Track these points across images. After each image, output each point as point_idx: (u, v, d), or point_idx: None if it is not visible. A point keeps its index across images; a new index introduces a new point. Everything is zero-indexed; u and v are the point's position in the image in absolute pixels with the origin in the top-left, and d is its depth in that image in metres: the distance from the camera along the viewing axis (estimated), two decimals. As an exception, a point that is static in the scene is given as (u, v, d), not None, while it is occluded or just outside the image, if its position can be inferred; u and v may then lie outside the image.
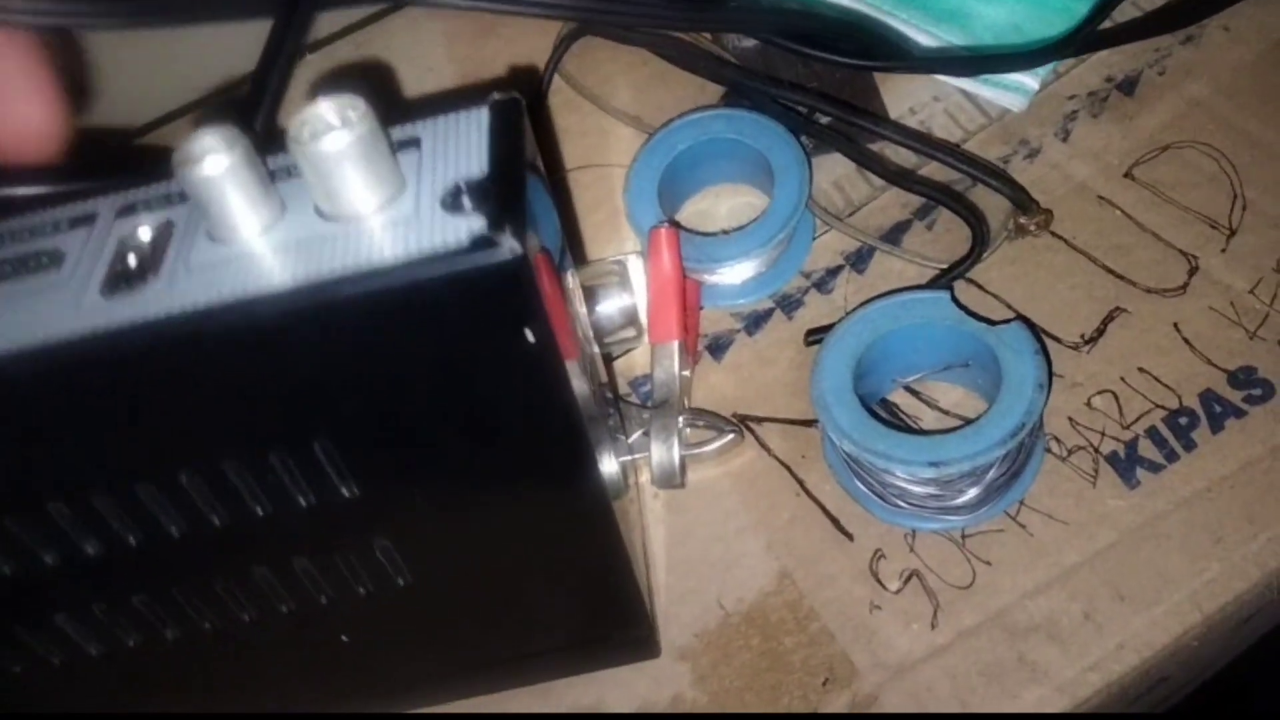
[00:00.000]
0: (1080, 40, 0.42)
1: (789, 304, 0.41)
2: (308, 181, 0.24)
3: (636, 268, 0.39)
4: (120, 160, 0.46)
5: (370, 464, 0.26)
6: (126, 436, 0.25)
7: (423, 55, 0.50)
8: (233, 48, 0.47)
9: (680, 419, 0.38)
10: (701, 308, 0.42)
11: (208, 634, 0.29)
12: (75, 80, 0.43)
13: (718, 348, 0.41)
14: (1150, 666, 0.33)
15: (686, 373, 0.39)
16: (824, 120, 0.43)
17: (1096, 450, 0.36)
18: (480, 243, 0.23)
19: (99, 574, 0.27)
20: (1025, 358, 0.35)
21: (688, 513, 0.38)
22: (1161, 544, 0.34)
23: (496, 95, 0.26)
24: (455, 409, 0.26)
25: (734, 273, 0.41)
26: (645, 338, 0.40)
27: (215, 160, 0.23)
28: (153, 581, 0.28)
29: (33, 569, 0.27)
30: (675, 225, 0.40)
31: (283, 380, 0.24)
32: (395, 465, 0.27)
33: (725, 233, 0.42)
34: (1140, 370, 0.37)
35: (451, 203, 0.23)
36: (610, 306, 0.39)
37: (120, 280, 0.24)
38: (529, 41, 0.48)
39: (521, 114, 0.26)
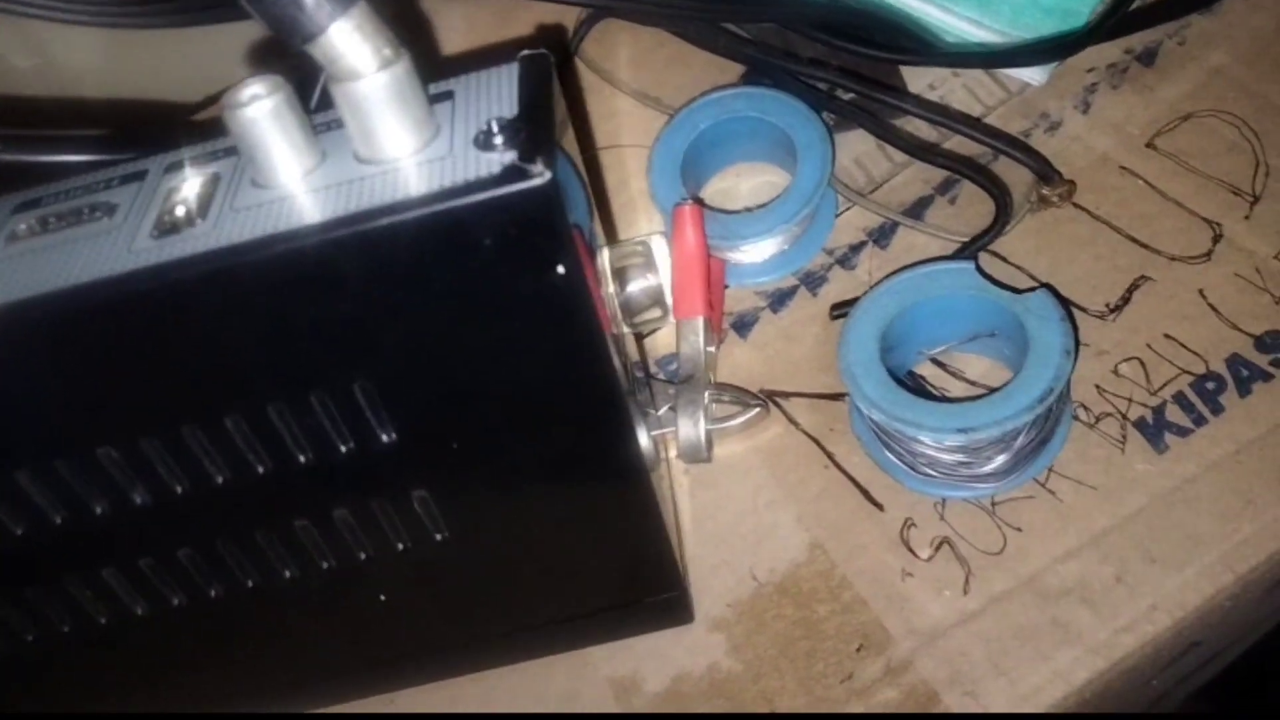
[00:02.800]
0: (1106, 29, 0.43)
1: (813, 281, 0.42)
2: (346, 127, 0.25)
3: (660, 248, 0.40)
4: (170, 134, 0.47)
5: (408, 406, 0.28)
6: (175, 376, 0.27)
7: (443, 41, 0.51)
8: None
9: (706, 394, 0.39)
10: (726, 286, 0.42)
11: (250, 592, 0.31)
12: None
13: (743, 325, 0.42)
14: (1183, 627, 0.34)
15: (712, 348, 0.40)
16: (846, 97, 0.44)
17: (1124, 416, 0.37)
18: (512, 172, 0.24)
19: (147, 525, 0.29)
20: (1051, 324, 0.36)
21: (717, 487, 0.39)
22: (1191, 507, 0.35)
23: (525, 51, 0.27)
24: (489, 348, 0.27)
25: (757, 250, 0.43)
26: (670, 318, 0.41)
27: (259, 104, 0.24)
28: (199, 533, 0.30)
29: (84, 519, 0.28)
30: (699, 203, 0.41)
31: (323, 316, 0.26)
32: (432, 408, 0.28)
33: (749, 210, 0.43)
34: (1166, 337, 0.38)
35: (484, 141, 0.25)
36: (636, 287, 0.40)
37: (169, 225, 0.26)
38: (548, 24, 0.49)
39: (550, 66, 0.28)
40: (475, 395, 0.28)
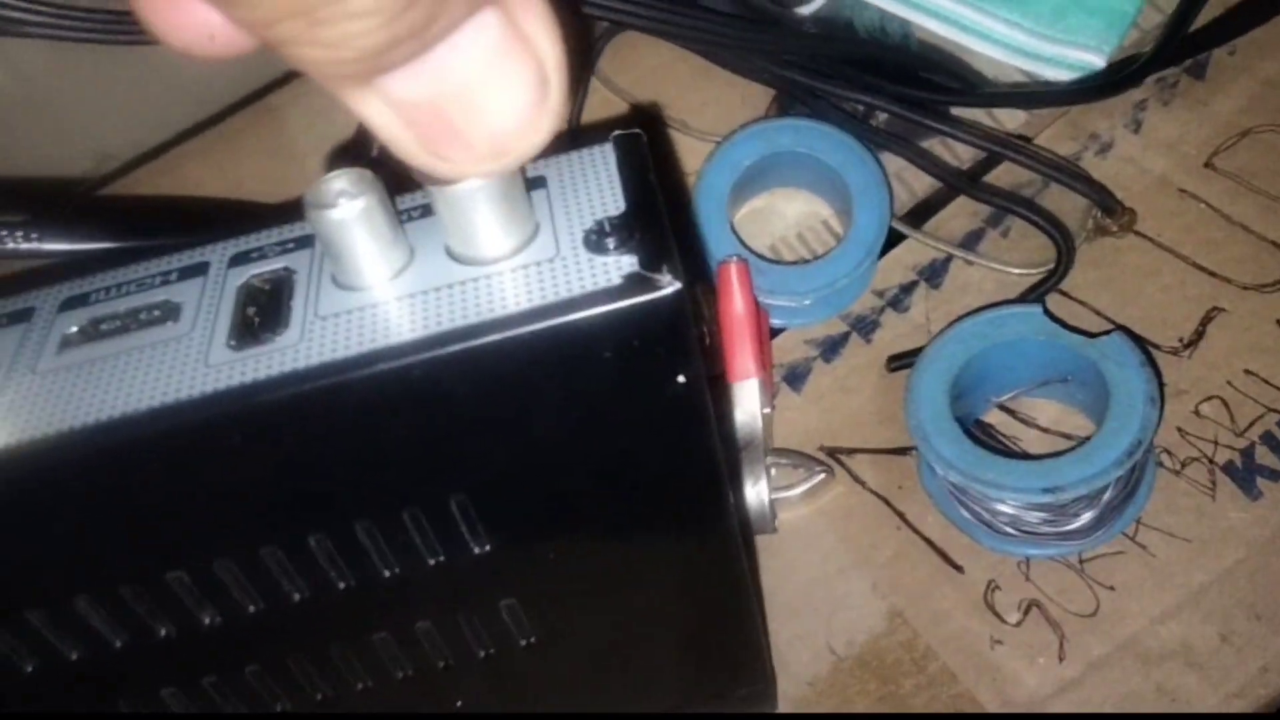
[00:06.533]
0: (1163, 58, 0.42)
1: (865, 326, 0.41)
2: (442, 223, 0.24)
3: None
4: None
5: (505, 518, 0.26)
6: (255, 498, 0.25)
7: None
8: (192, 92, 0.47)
9: (767, 460, 0.37)
10: (774, 333, 0.41)
11: (318, 703, 0.29)
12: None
13: (795, 378, 0.41)
14: (1298, 689, 0.33)
15: (768, 410, 0.39)
16: (882, 118, 0.43)
17: (1211, 461, 0.36)
18: (636, 281, 0.23)
19: (213, 646, 0.27)
20: (1131, 370, 0.35)
21: (783, 555, 0.38)
22: (1292, 557, 0.35)
23: (618, 131, 0.26)
24: (596, 458, 0.26)
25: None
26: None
27: (349, 205, 0.23)
28: (270, 651, 0.28)
29: (146, 641, 0.27)
30: (746, 249, 0.40)
31: (423, 434, 0.24)
32: (531, 518, 0.27)
33: (806, 261, 0.41)
34: (1246, 372, 0.38)
35: (595, 244, 0.24)
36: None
37: (247, 332, 0.24)
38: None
39: (646, 149, 0.26)
40: (576, 503, 0.27)
